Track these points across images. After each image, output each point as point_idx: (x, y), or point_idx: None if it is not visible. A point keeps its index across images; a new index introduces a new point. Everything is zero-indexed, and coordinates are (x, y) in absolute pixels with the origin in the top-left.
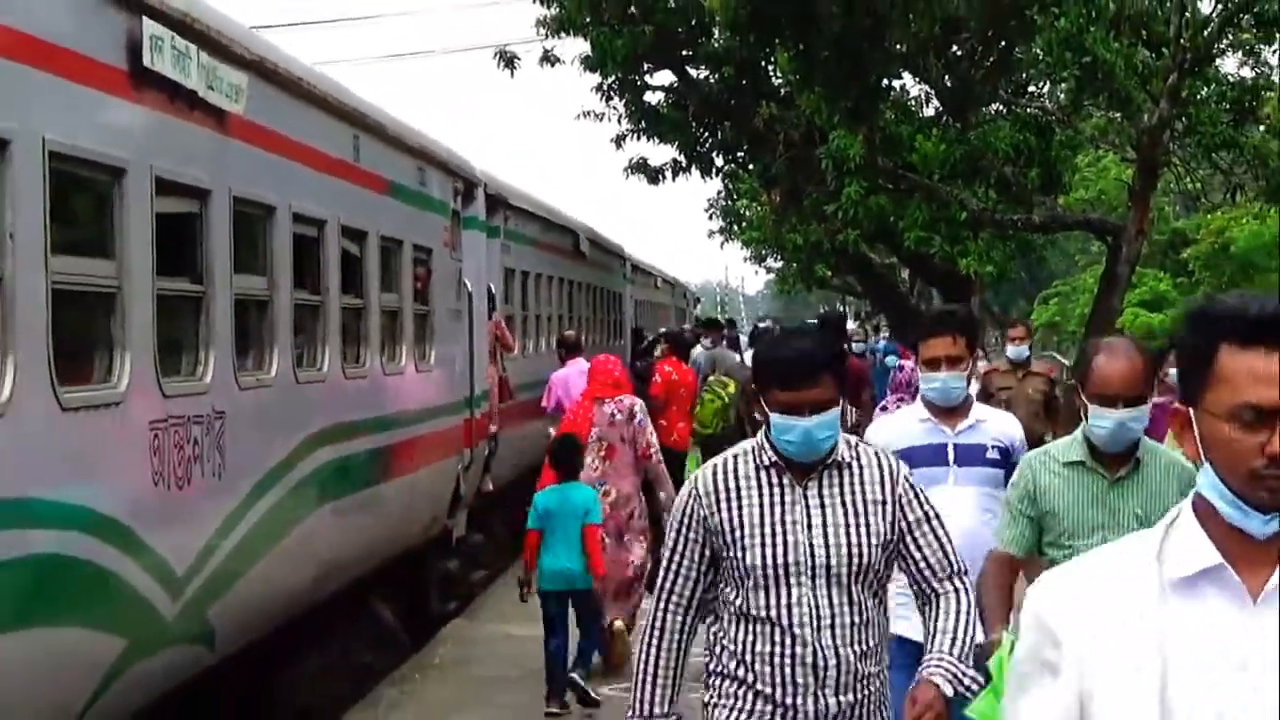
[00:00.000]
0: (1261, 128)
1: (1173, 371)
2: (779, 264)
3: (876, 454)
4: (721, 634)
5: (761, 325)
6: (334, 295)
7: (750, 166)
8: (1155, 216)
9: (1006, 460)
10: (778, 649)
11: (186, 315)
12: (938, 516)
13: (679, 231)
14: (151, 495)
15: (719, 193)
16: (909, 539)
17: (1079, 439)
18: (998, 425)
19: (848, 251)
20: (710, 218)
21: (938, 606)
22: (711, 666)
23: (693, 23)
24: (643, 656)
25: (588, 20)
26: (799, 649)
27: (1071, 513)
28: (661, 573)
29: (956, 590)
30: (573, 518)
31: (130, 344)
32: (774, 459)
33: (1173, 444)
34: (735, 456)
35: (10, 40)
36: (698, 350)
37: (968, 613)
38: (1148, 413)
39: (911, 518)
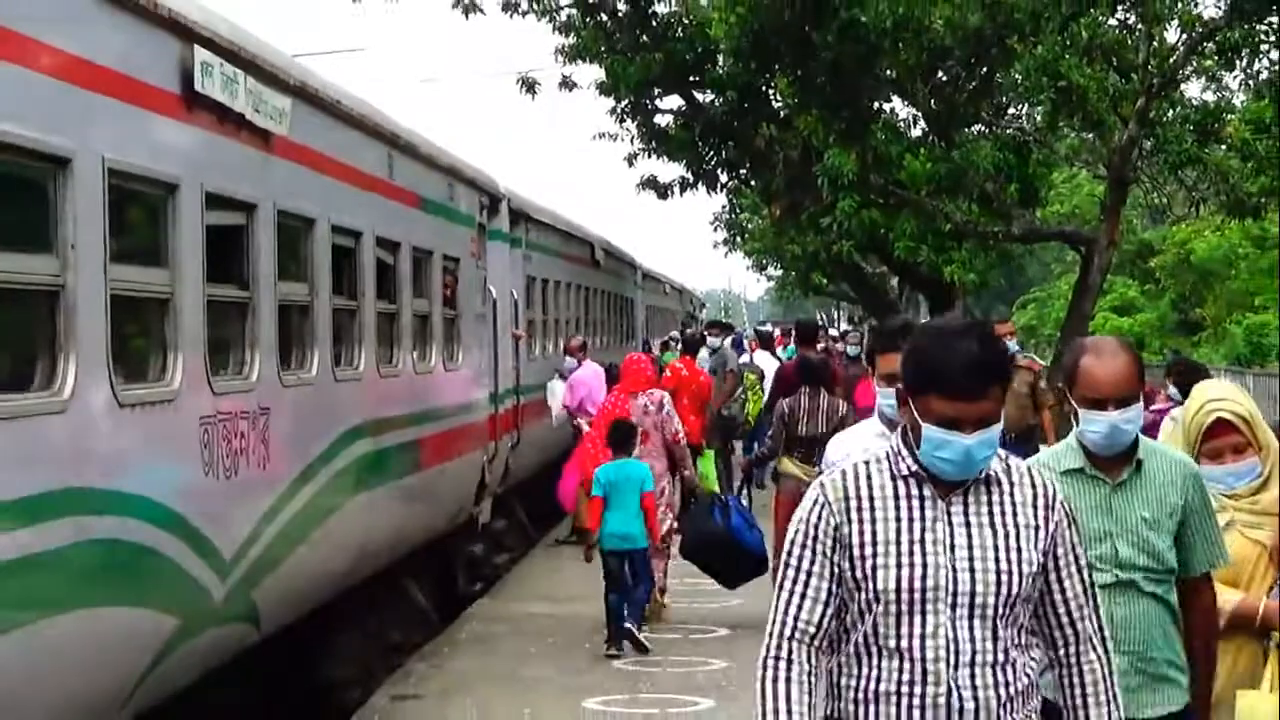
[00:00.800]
0: (1223, 147)
1: (1172, 388)
2: (779, 272)
3: (1029, 471)
4: (837, 671)
5: (760, 329)
6: (369, 301)
7: (752, 183)
8: (1125, 229)
9: None
10: (906, 688)
11: (234, 319)
12: (1087, 560)
13: (686, 242)
14: (202, 485)
15: (723, 207)
16: (1052, 575)
17: (1074, 445)
18: None
19: (842, 261)
20: (715, 230)
21: (1080, 678)
22: (825, 710)
23: (699, 50)
24: (771, 701)
25: (602, 49)
26: (931, 688)
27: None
28: (784, 598)
29: (1101, 660)
30: (631, 488)
31: (182, 346)
32: (914, 468)
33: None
34: (867, 463)
35: (71, 65)
36: (703, 352)
37: (1114, 699)
38: (1141, 411)
39: (1061, 550)
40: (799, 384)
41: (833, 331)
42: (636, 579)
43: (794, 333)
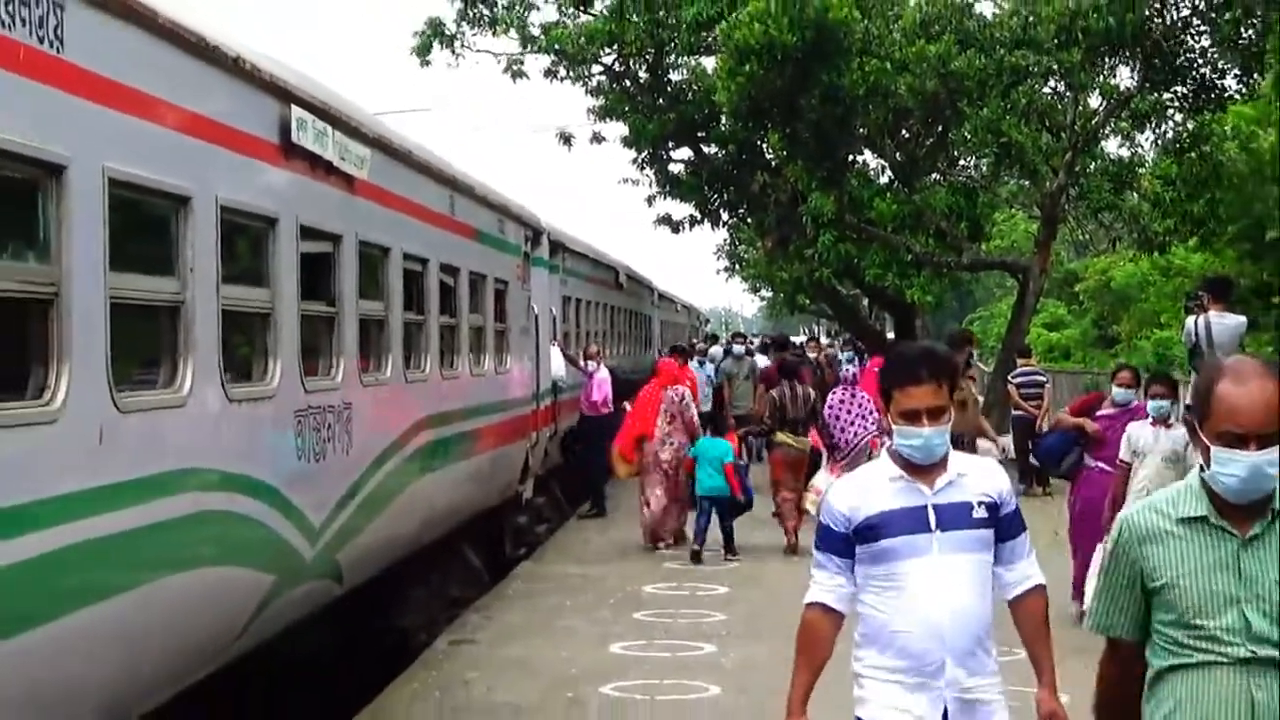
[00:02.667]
0: (1135, 195)
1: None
2: (770, 294)
3: None
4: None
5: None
6: (434, 316)
7: (748, 220)
8: (1054, 260)
9: (995, 517)
10: None
11: (323, 330)
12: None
13: (694, 268)
14: (296, 466)
15: (725, 240)
16: None
17: (1196, 488)
18: (981, 476)
19: (822, 285)
20: (718, 258)
21: None
22: None
23: (705, 112)
24: None
25: (626, 109)
26: None
27: (1196, 584)
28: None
29: None
30: (717, 457)
31: (280, 352)
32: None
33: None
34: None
35: (190, 120)
36: (716, 350)
37: None
38: None
39: None
40: (780, 379)
41: (824, 339)
42: (721, 515)
43: (772, 341)
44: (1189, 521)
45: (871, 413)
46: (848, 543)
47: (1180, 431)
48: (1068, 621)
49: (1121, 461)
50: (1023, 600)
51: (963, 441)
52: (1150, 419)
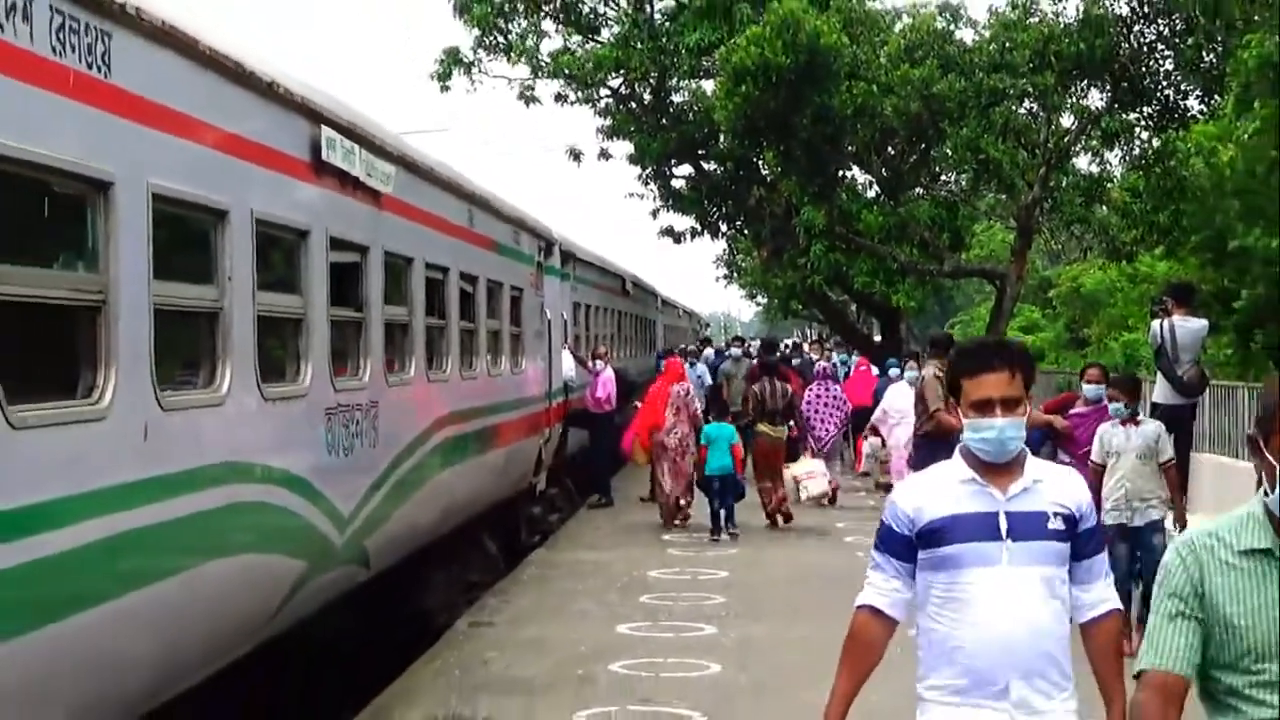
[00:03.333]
0: (1104, 207)
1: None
2: (765, 300)
3: None
4: None
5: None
6: (454, 320)
7: (745, 232)
8: (1029, 268)
9: (1073, 530)
10: None
11: (351, 334)
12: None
13: (695, 276)
14: (326, 460)
15: (723, 250)
16: None
17: (1259, 517)
18: (1059, 485)
19: (814, 291)
20: (717, 267)
21: None
22: None
23: (705, 131)
24: None
25: (631, 129)
26: None
27: (1259, 624)
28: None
29: None
30: (724, 440)
31: (312, 354)
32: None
33: None
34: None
35: (228, 140)
36: (708, 353)
37: None
38: None
39: None
40: (761, 376)
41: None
42: (726, 492)
43: (763, 344)
44: (1252, 553)
45: (843, 405)
46: (909, 546)
47: (1150, 427)
48: None
49: (1094, 463)
50: (1097, 624)
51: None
52: (1117, 419)
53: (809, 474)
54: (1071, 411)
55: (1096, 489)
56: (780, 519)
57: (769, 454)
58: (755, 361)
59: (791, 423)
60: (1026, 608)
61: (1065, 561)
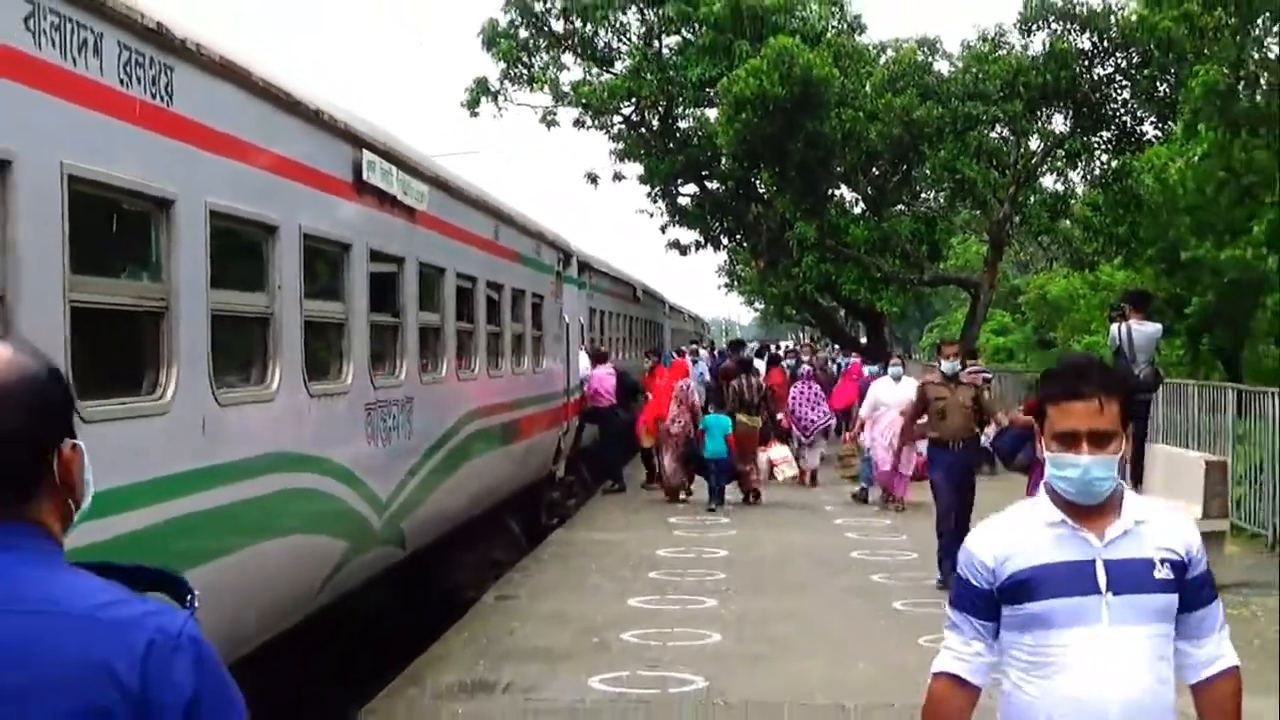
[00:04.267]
0: (1068, 222)
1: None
2: (762, 306)
3: None
4: None
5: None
6: (481, 324)
7: (744, 244)
8: (1000, 276)
9: (1181, 579)
10: None
11: (389, 337)
12: None
13: (698, 284)
14: (367, 450)
15: (725, 261)
16: None
17: None
18: (1165, 526)
19: (806, 298)
20: (719, 276)
21: None
22: None
23: (708, 154)
24: None
25: (642, 152)
26: None
27: None
28: None
29: None
30: (720, 429)
31: (353, 355)
32: None
33: None
34: None
35: (278, 162)
36: (704, 353)
37: None
38: None
39: None
40: (739, 373)
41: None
42: (721, 472)
43: (728, 344)
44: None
45: (821, 401)
46: (991, 602)
47: None
48: None
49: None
50: (1213, 685)
51: (956, 447)
52: None
53: (784, 459)
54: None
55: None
56: (752, 496)
57: (744, 439)
58: (729, 361)
59: (767, 412)
60: (1130, 673)
61: (1173, 617)
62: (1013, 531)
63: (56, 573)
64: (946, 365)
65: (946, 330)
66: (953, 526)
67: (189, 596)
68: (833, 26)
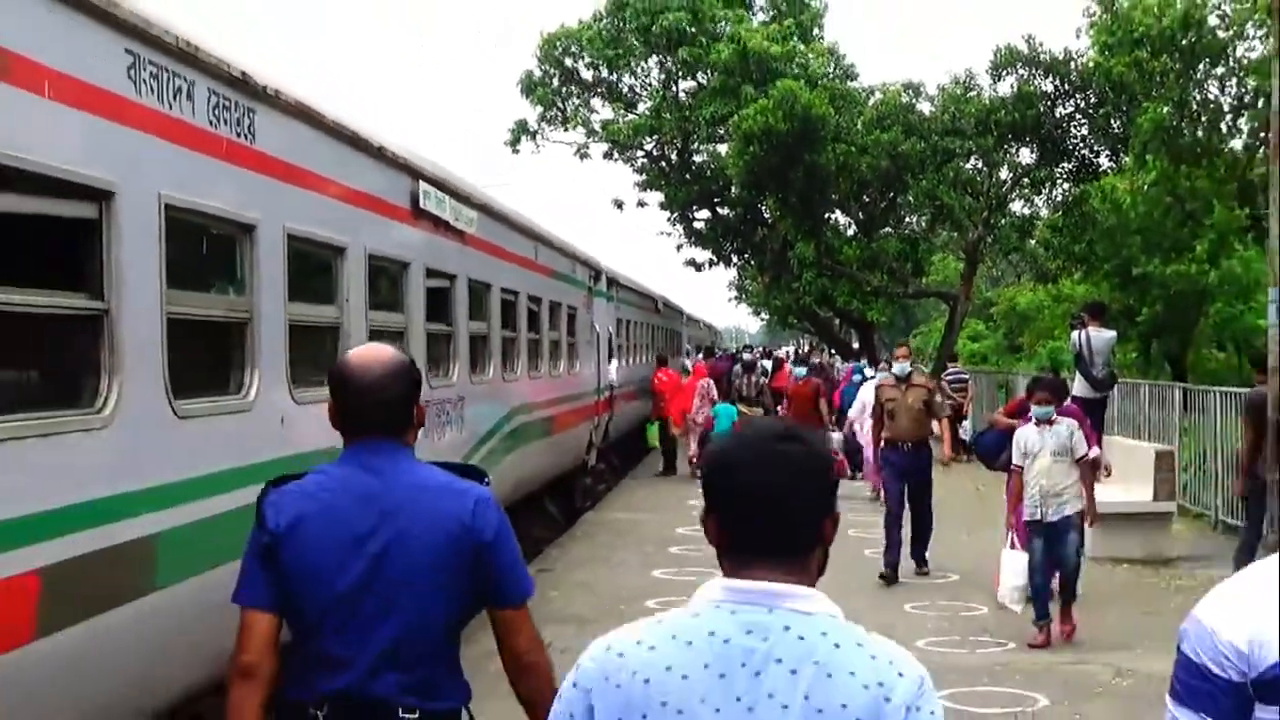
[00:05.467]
0: (1034, 241)
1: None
2: (767, 316)
3: None
4: None
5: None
6: (523, 332)
7: (752, 262)
8: (975, 290)
9: None
10: None
11: (443, 344)
12: None
13: (711, 297)
14: (422, 444)
15: (734, 276)
16: None
17: None
18: None
19: (805, 309)
20: (729, 290)
21: None
22: None
23: (720, 183)
24: None
25: (662, 182)
26: None
27: None
28: None
29: None
30: (727, 416)
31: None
32: None
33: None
34: None
35: (346, 192)
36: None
37: None
38: None
39: None
40: (745, 374)
41: (786, 350)
42: None
43: (709, 347)
44: None
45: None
46: (1239, 699)
47: (1063, 427)
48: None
49: (1015, 466)
50: None
51: (905, 448)
52: (1034, 421)
53: None
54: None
55: (1019, 492)
56: None
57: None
58: (735, 364)
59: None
60: None
61: None
62: (1267, 601)
63: (421, 466)
64: (898, 367)
65: (929, 337)
66: (899, 527)
67: (485, 479)
68: (827, 73)
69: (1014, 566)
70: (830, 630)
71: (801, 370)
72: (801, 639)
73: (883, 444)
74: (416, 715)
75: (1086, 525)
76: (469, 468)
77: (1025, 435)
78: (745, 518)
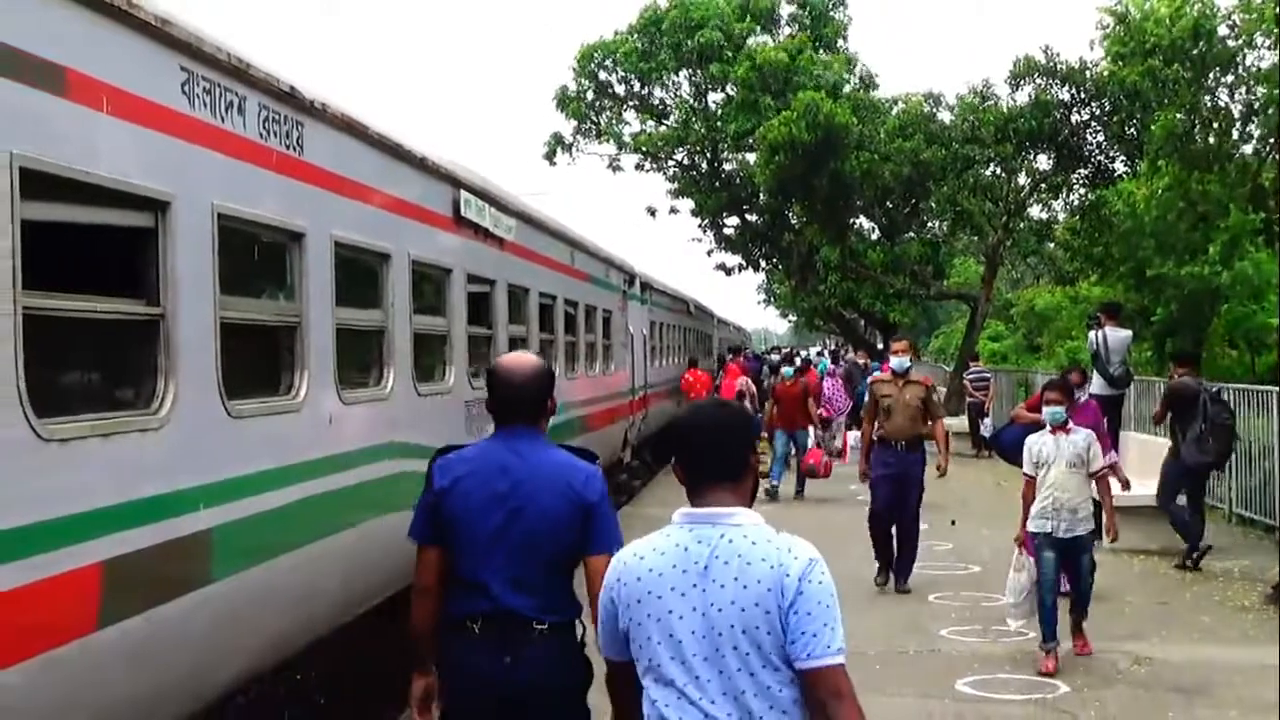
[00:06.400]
0: (1052, 244)
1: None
2: (794, 317)
3: None
4: None
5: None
6: (560, 335)
7: (779, 266)
8: (995, 292)
9: None
10: None
11: (483, 345)
12: None
13: (741, 299)
14: (467, 440)
15: (763, 280)
16: None
17: None
18: None
19: (831, 311)
20: (759, 293)
21: None
22: None
23: (748, 191)
24: None
25: (693, 190)
26: None
27: None
28: None
29: None
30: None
31: (454, 360)
32: None
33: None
34: None
35: (391, 201)
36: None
37: None
38: None
39: None
40: (771, 372)
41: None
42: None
43: (766, 353)
44: None
45: (842, 393)
46: None
47: (1080, 436)
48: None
49: (1025, 475)
50: None
51: (899, 447)
52: (1049, 427)
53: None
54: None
55: (1030, 500)
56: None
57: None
58: (762, 364)
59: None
60: None
61: None
62: None
63: (549, 447)
64: (895, 361)
65: (950, 338)
66: (886, 529)
67: (595, 458)
68: (847, 80)
69: (1015, 583)
70: (750, 534)
71: (789, 370)
72: (731, 542)
73: (875, 442)
74: (546, 626)
75: (1107, 539)
76: (583, 451)
77: (1038, 442)
78: (698, 457)
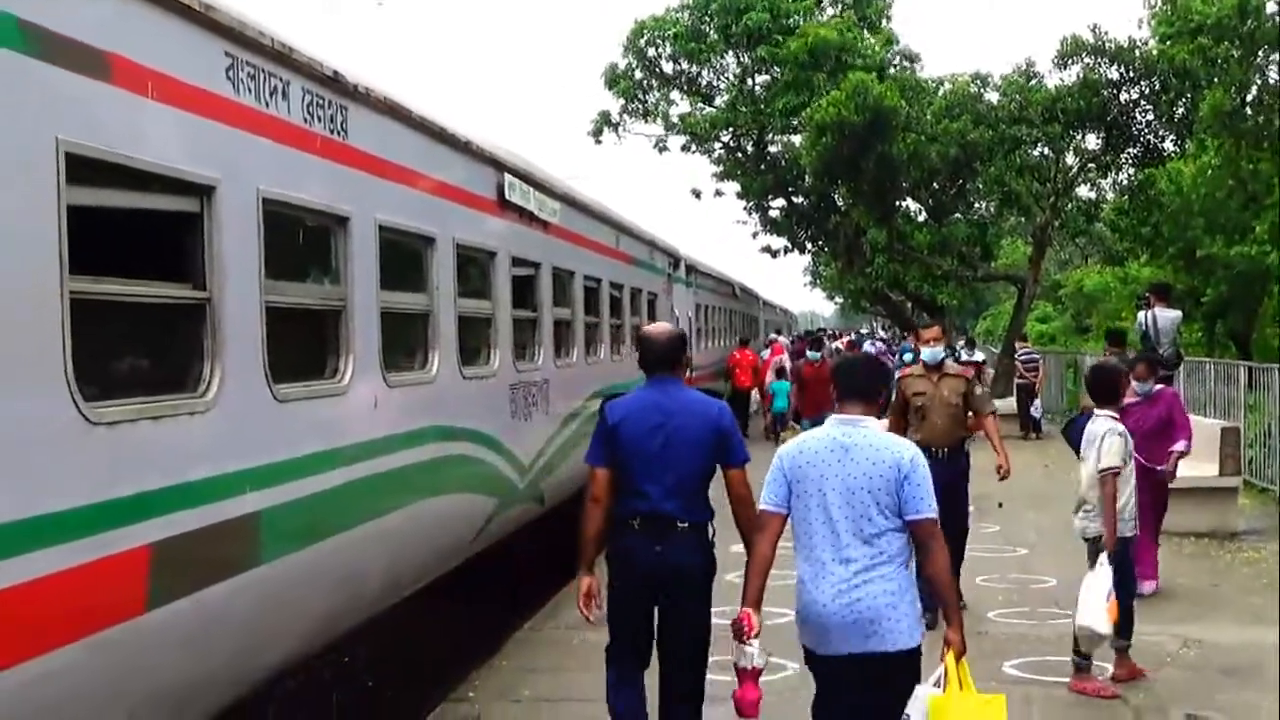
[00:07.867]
0: (1100, 225)
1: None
2: (841, 300)
3: None
4: None
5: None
6: (605, 318)
7: (826, 248)
8: (1043, 273)
9: None
10: None
11: (528, 329)
12: None
13: (787, 282)
14: (511, 423)
15: (809, 262)
16: None
17: None
18: None
19: (878, 293)
20: (805, 275)
21: None
22: None
23: (794, 173)
24: None
25: (739, 172)
26: None
27: None
28: None
29: None
30: (783, 392)
31: (499, 345)
32: None
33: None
34: None
35: (435, 184)
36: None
37: None
38: None
39: None
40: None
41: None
42: (780, 418)
43: (805, 334)
44: None
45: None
46: None
47: (1099, 425)
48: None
49: (1112, 469)
50: None
51: (938, 456)
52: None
53: None
54: (1125, 402)
55: (1115, 499)
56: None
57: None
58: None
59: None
60: None
61: None
62: None
63: (687, 390)
64: (928, 353)
65: (998, 319)
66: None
67: (722, 395)
68: (890, 61)
69: (1095, 603)
70: (872, 434)
71: (815, 354)
72: (865, 435)
73: None
74: (687, 524)
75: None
76: (713, 392)
77: (1123, 432)
78: (844, 382)
